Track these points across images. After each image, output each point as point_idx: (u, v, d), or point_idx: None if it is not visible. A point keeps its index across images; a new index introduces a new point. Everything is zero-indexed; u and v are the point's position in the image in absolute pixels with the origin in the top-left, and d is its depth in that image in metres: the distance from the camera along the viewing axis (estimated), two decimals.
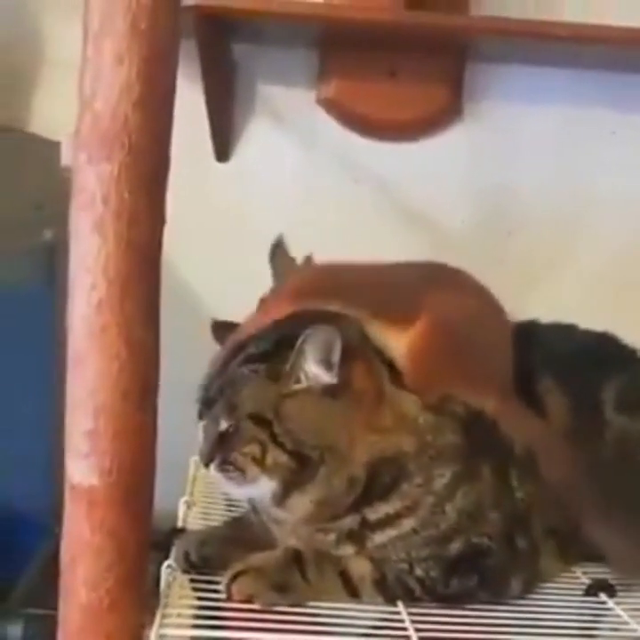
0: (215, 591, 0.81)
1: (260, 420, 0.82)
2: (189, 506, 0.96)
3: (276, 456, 0.81)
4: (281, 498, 0.82)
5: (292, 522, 0.84)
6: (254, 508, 0.89)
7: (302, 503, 0.82)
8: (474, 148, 1.50)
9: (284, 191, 1.43)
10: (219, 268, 1.50)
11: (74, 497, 0.65)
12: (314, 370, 0.82)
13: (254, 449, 0.81)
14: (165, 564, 0.80)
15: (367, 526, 0.83)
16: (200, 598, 0.81)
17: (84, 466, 0.64)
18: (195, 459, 1.08)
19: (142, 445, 0.65)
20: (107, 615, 0.66)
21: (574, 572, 0.89)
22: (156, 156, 0.61)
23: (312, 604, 0.79)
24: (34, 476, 1.19)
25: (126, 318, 0.62)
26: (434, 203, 1.50)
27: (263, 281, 1.47)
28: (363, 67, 1.45)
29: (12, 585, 1.17)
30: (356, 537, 0.83)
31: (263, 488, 0.82)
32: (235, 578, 0.79)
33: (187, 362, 1.41)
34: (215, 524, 0.95)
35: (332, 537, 0.83)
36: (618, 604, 0.82)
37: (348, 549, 0.83)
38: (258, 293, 1.46)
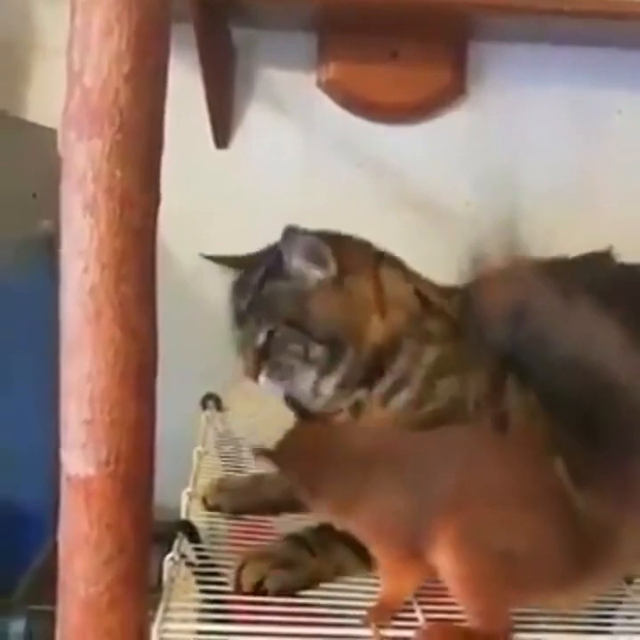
0: (219, 584, 0.80)
1: (293, 323, 0.96)
2: (192, 497, 0.94)
3: (315, 350, 0.95)
4: (315, 386, 0.96)
5: (320, 406, 0.96)
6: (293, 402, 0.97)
7: (329, 387, 0.96)
8: (478, 129, 1.48)
9: (284, 176, 1.41)
10: (218, 254, 1.47)
11: (70, 488, 0.62)
12: (307, 270, 0.96)
13: (297, 348, 0.96)
14: (168, 556, 0.78)
15: (353, 409, 0.96)
16: (204, 591, 0.79)
17: (80, 456, 0.61)
18: (198, 449, 1.06)
19: (140, 434, 0.63)
20: (107, 610, 0.63)
21: None
22: (148, 132, 0.59)
23: (317, 593, 0.78)
24: (36, 472, 1.17)
25: (121, 303, 0.60)
26: (437, 185, 1.48)
27: None
28: (364, 48, 1.44)
29: (15, 581, 1.16)
30: (362, 411, 0.95)
31: (307, 381, 0.96)
32: (242, 568, 0.81)
33: (186, 349, 1.41)
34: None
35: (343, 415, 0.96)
36: (636, 592, 0.81)
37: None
38: None
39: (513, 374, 0.93)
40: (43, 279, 1.17)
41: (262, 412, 1.27)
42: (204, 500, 0.97)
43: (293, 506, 0.97)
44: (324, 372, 0.96)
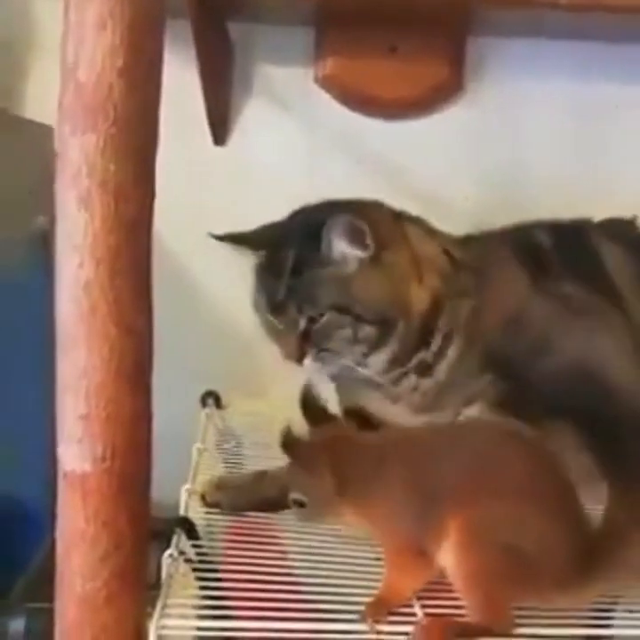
0: (218, 580, 0.80)
1: (340, 308, 0.96)
2: (191, 494, 0.94)
3: (365, 331, 0.97)
4: (364, 362, 0.99)
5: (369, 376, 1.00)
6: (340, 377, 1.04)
7: (379, 362, 0.99)
8: (476, 124, 1.47)
9: (282, 171, 1.40)
10: (216, 252, 1.47)
11: (66, 484, 0.62)
12: (346, 251, 0.96)
13: (346, 332, 0.97)
14: (166, 553, 0.78)
15: (420, 368, 1.01)
16: (202, 588, 0.79)
17: (76, 452, 0.61)
18: (197, 446, 1.06)
19: (137, 430, 0.63)
20: (103, 607, 0.63)
21: None
22: (142, 126, 0.59)
23: (316, 588, 0.78)
24: (34, 469, 1.17)
25: (116, 298, 0.60)
26: (436, 180, 1.47)
27: None
28: (361, 43, 1.42)
29: (14, 579, 1.15)
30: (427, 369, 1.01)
31: (355, 359, 0.98)
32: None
33: (186, 346, 1.41)
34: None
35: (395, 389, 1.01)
36: None
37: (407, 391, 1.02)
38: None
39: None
40: (39, 276, 1.17)
41: (262, 410, 1.27)
42: (203, 498, 0.97)
43: None
44: (374, 348, 0.98)
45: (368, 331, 0.97)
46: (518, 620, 0.73)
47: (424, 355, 1.00)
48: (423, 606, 0.75)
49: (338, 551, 0.85)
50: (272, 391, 1.45)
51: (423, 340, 1.00)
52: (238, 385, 1.35)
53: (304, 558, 0.85)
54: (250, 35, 1.45)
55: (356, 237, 0.96)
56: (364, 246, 0.96)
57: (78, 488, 0.62)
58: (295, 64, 1.46)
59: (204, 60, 1.35)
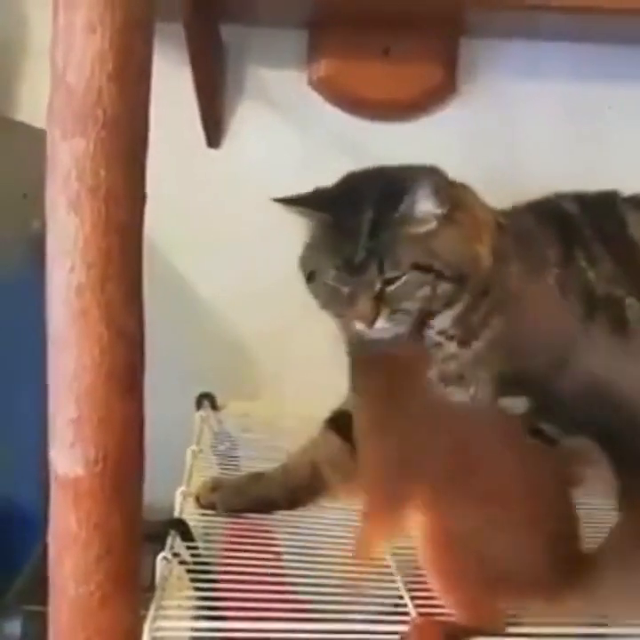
0: (212, 581, 0.80)
1: (421, 266, 0.98)
2: (186, 496, 0.94)
3: (442, 288, 0.98)
4: (429, 321, 1.01)
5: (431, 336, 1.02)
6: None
7: (446, 319, 1.01)
8: (469, 126, 1.48)
9: (276, 174, 1.40)
10: (211, 255, 1.48)
11: (59, 488, 0.62)
12: (430, 209, 0.98)
13: (426, 291, 0.98)
14: (161, 555, 0.78)
15: (465, 334, 1.02)
16: (197, 590, 0.79)
17: (68, 455, 0.61)
18: (192, 448, 1.06)
19: (129, 433, 0.63)
20: (97, 610, 0.63)
21: None
22: (133, 130, 0.59)
23: (310, 589, 0.78)
24: (30, 472, 1.17)
25: (107, 302, 0.60)
26: None
27: (255, 268, 1.46)
28: (355, 45, 1.42)
29: (10, 582, 1.15)
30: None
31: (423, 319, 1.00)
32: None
33: (181, 349, 1.41)
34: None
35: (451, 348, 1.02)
36: None
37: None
38: (250, 280, 1.45)
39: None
40: (35, 280, 1.17)
41: (257, 412, 1.28)
42: (197, 499, 0.97)
43: (290, 503, 0.98)
44: (446, 306, 1.00)
45: (445, 288, 0.99)
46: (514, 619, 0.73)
47: (475, 318, 1.02)
48: (417, 606, 0.75)
49: (331, 552, 0.85)
50: (267, 393, 1.45)
51: (479, 301, 1.02)
52: (233, 387, 1.35)
53: (298, 559, 0.85)
54: (243, 37, 1.45)
55: (439, 196, 0.99)
56: (443, 205, 0.99)
57: (70, 491, 0.62)
58: (288, 66, 1.46)
59: (197, 63, 1.35)
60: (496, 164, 1.48)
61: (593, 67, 1.47)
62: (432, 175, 0.99)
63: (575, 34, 1.42)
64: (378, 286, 0.98)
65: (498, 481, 0.74)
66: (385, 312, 0.99)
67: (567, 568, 0.73)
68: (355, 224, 1.00)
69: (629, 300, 1.06)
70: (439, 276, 0.98)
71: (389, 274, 0.98)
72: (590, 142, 1.48)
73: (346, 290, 1.00)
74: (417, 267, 0.98)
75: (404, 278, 0.98)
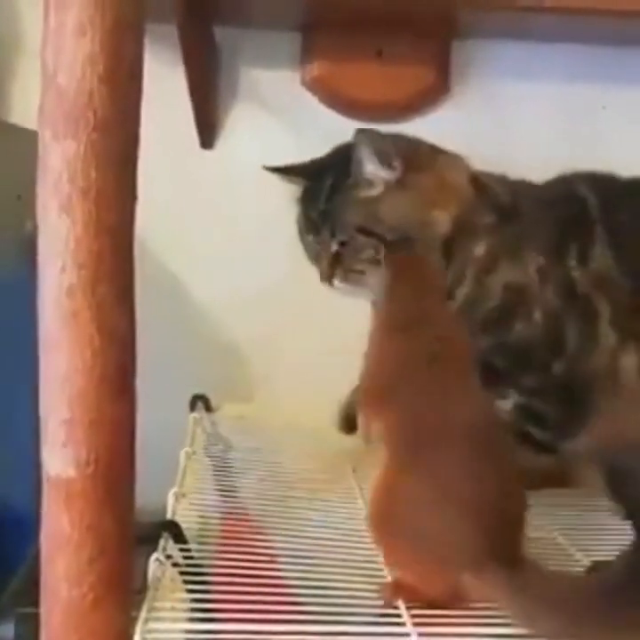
0: (205, 583, 0.79)
1: (365, 230, 1.03)
2: (179, 498, 0.94)
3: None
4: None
5: None
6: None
7: None
8: (463, 126, 1.48)
9: (270, 176, 1.40)
10: (205, 256, 1.47)
11: (50, 489, 0.62)
12: (376, 171, 1.03)
13: (369, 253, 1.02)
14: (153, 557, 0.78)
15: None
16: (190, 592, 0.79)
17: (60, 456, 0.61)
18: (185, 450, 1.06)
19: (121, 434, 0.63)
20: (89, 611, 0.63)
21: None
22: (124, 132, 0.59)
23: (305, 591, 0.78)
24: (24, 474, 1.17)
25: (99, 303, 0.60)
26: None
27: (248, 269, 1.46)
28: (348, 46, 1.42)
29: (4, 584, 1.15)
30: None
31: (378, 279, 0.96)
32: None
33: (175, 350, 1.41)
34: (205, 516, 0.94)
35: None
36: None
37: None
38: (244, 281, 1.45)
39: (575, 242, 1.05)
40: (28, 281, 1.17)
41: (251, 414, 1.28)
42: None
43: None
44: None
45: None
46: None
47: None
48: (412, 616, 0.74)
49: (327, 554, 0.85)
50: (261, 395, 1.45)
51: (445, 265, 1.04)
52: (227, 389, 1.35)
53: (293, 561, 0.85)
54: (236, 39, 1.45)
55: (382, 158, 1.02)
56: (390, 167, 1.02)
57: (62, 493, 0.62)
58: (282, 67, 1.46)
59: (190, 64, 1.36)
60: (489, 165, 1.48)
61: (586, 68, 1.47)
62: (371, 136, 1.03)
63: (568, 35, 1.42)
64: (334, 248, 1.06)
65: (456, 468, 0.74)
66: (339, 272, 1.07)
67: (502, 563, 0.72)
68: (319, 189, 1.09)
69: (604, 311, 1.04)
70: (381, 239, 1.02)
71: (339, 236, 1.05)
72: (584, 143, 1.48)
73: (316, 249, 1.10)
74: (361, 230, 1.03)
75: (350, 241, 1.05)
